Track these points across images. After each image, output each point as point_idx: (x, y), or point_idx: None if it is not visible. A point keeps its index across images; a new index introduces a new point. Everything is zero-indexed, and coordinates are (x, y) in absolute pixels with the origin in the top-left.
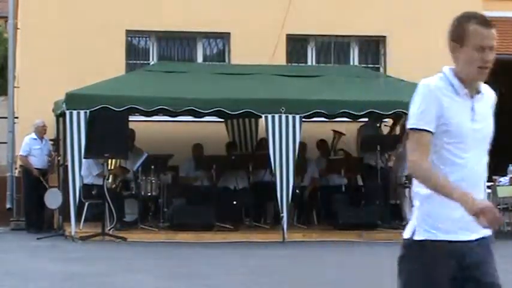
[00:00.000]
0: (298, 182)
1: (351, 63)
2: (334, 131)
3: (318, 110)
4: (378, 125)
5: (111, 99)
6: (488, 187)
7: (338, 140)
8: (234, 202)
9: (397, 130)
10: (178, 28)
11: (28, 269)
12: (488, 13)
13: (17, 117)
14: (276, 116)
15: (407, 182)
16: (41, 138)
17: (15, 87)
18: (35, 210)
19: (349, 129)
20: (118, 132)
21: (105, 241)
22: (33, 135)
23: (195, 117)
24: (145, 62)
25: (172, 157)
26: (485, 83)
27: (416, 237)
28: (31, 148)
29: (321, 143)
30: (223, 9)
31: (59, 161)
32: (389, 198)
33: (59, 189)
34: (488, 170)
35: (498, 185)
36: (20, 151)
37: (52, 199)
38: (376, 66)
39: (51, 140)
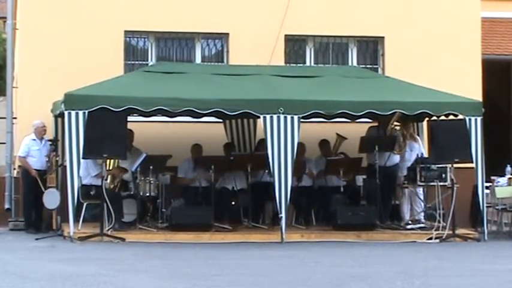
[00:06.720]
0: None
1: (350, 64)
2: (337, 134)
3: (317, 111)
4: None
5: (109, 99)
6: (487, 187)
7: (340, 144)
8: (233, 203)
9: (396, 130)
10: (176, 29)
11: (26, 269)
12: (487, 13)
13: (15, 118)
14: (275, 117)
15: (405, 182)
16: (40, 139)
17: (14, 87)
18: (34, 210)
19: (348, 129)
20: (116, 132)
21: (104, 241)
22: (33, 136)
23: (194, 117)
24: (144, 62)
25: (171, 157)
26: (484, 84)
27: None
28: (30, 149)
29: (323, 143)
30: (222, 10)
31: (57, 161)
32: (392, 198)
33: (58, 189)
34: (486, 171)
35: (496, 186)
36: (19, 152)
37: (50, 199)
38: (375, 66)
39: (49, 140)
